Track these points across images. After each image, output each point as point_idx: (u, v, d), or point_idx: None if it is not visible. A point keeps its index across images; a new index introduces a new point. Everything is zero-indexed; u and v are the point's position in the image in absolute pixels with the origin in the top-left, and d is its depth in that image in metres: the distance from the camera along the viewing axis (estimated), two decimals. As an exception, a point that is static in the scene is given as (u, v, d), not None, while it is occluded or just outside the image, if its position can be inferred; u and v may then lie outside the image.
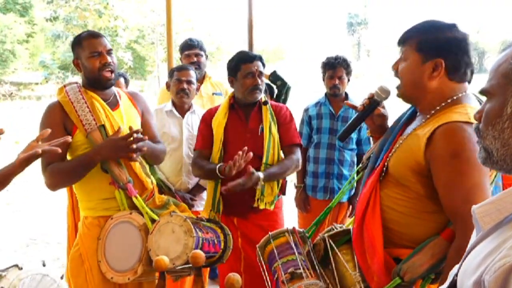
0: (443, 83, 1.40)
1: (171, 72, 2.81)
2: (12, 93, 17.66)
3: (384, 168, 1.46)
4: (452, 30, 1.40)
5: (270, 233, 1.70)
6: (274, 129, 2.32)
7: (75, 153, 1.99)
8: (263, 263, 1.71)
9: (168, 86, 2.82)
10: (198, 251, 1.69)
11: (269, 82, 3.09)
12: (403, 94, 1.49)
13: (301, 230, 1.74)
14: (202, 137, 2.40)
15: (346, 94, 3.00)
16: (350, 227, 1.63)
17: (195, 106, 2.85)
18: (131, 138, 1.89)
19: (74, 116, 1.97)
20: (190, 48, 3.21)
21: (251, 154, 2.09)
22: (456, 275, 0.81)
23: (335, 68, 2.91)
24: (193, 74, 2.74)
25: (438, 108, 1.40)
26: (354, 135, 2.93)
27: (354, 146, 2.97)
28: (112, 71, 2.02)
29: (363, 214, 1.48)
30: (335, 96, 2.96)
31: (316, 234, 1.78)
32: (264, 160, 2.26)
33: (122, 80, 3.45)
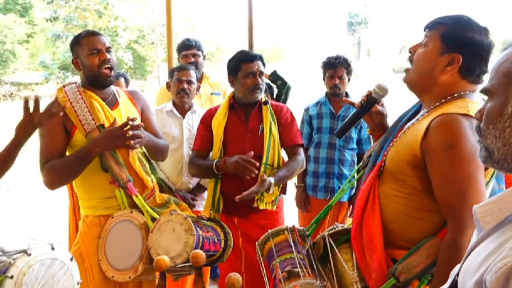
0: (454, 79, 1.38)
1: (172, 72, 2.81)
2: (12, 93, 17.66)
3: (383, 164, 1.45)
4: (481, 32, 1.37)
5: (269, 230, 1.70)
6: (274, 129, 2.32)
7: (75, 153, 1.99)
8: (262, 260, 1.71)
9: (168, 86, 2.82)
10: (199, 251, 1.69)
11: (269, 82, 3.09)
12: (410, 80, 1.46)
13: (301, 228, 1.74)
14: (201, 138, 2.40)
15: (347, 94, 3.01)
16: (351, 226, 1.63)
17: (196, 106, 2.85)
18: (128, 127, 1.89)
19: (73, 116, 1.97)
20: (188, 48, 3.21)
21: (251, 153, 2.10)
22: (457, 275, 0.81)
23: (335, 68, 2.91)
24: (193, 74, 2.74)
25: (442, 101, 1.38)
26: (354, 135, 2.94)
27: (355, 146, 2.97)
28: (111, 69, 2.02)
29: (362, 211, 1.47)
30: (335, 95, 2.97)
31: (316, 233, 1.77)
32: (264, 160, 2.25)
33: (122, 80, 3.46)
